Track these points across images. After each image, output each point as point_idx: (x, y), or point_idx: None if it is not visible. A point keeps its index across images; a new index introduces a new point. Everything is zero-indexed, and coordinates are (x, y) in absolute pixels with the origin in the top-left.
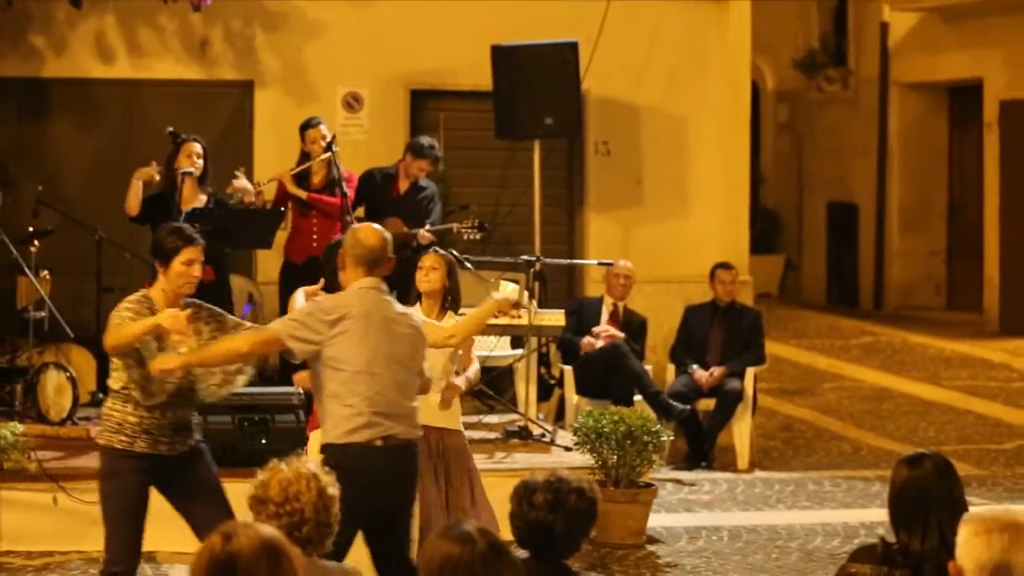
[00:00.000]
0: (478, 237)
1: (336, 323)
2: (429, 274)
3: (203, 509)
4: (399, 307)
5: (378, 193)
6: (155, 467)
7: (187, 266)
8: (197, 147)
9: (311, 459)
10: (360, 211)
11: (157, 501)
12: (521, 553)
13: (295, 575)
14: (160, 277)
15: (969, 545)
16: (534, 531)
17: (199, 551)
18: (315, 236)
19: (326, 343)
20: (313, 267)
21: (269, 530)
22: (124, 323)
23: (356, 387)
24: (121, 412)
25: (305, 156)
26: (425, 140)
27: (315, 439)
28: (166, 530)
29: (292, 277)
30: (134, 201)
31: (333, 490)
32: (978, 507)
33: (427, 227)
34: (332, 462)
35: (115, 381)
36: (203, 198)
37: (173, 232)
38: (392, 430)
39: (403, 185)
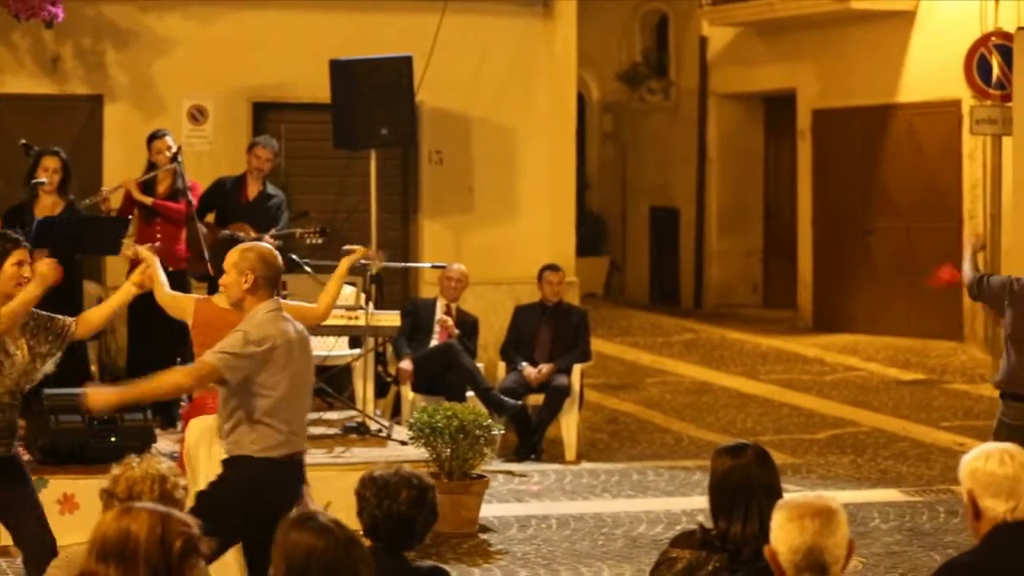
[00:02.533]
0: (319, 241)
1: (268, 353)
2: None
3: (21, 513)
4: (296, 324)
5: (228, 199)
6: None
7: (18, 267)
8: (52, 161)
9: (187, 446)
10: (210, 217)
11: None
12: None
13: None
14: None
15: (783, 530)
16: (395, 525)
17: (96, 530)
18: (159, 243)
19: (257, 370)
20: None
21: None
22: None
23: (278, 411)
24: None
25: (152, 166)
26: (255, 138)
27: (195, 427)
28: None
29: None
30: None
31: (181, 492)
32: (792, 494)
33: (272, 232)
34: (242, 473)
35: None
36: (62, 205)
37: (0, 238)
38: (299, 446)
39: (252, 191)
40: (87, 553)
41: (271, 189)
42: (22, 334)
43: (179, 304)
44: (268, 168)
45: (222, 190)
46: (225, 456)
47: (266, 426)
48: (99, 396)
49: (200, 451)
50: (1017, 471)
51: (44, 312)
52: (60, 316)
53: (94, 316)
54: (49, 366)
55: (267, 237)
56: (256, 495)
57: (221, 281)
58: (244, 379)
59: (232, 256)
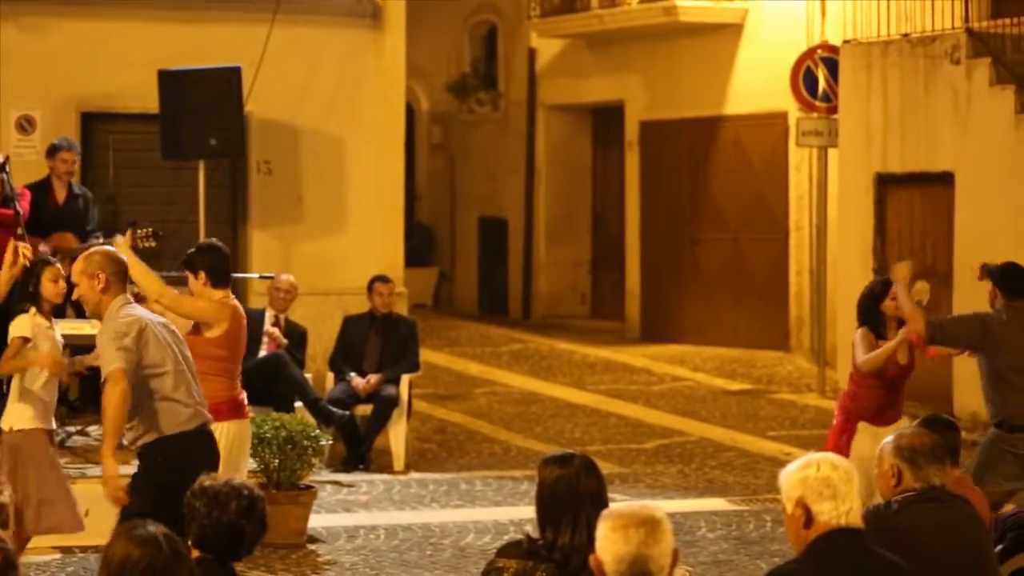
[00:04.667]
0: (153, 244)
1: (139, 336)
2: None
3: None
4: (150, 311)
5: (38, 205)
6: None
7: None
8: None
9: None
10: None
11: None
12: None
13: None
14: None
15: (608, 540)
16: (224, 535)
17: None
18: None
19: (141, 356)
20: None
21: None
22: None
23: (178, 386)
24: None
25: None
26: (54, 140)
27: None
28: None
29: None
30: None
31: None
32: (617, 503)
33: (101, 239)
34: (164, 454)
35: None
36: None
37: None
38: (206, 417)
39: (60, 195)
40: None
41: (77, 188)
42: None
43: (213, 308)
44: (75, 170)
45: (33, 197)
46: (139, 446)
47: (172, 402)
48: (112, 471)
49: (234, 457)
50: (848, 475)
51: None
52: None
53: None
54: None
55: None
56: (181, 471)
57: (77, 294)
58: (136, 367)
59: (77, 266)
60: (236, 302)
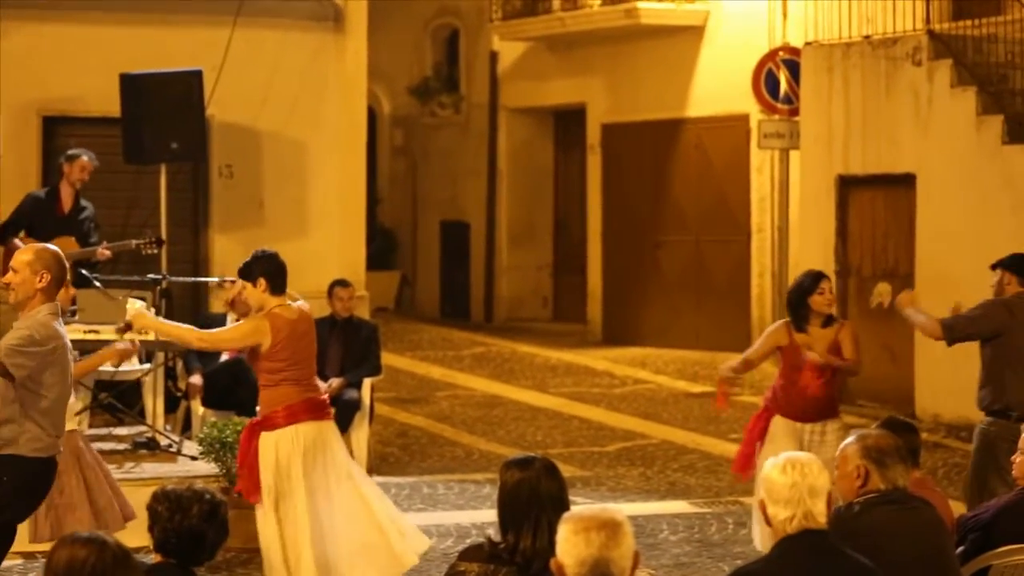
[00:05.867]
0: (156, 251)
1: (51, 353)
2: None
3: None
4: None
5: (42, 213)
6: None
7: None
8: None
9: (285, 456)
10: (21, 233)
11: None
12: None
13: None
14: None
15: (569, 543)
16: (186, 540)
17: None
18: None
19: (40, 370)
20: None
21: None
22: None
23: (51, 413)
24: None
25: None
26: (72, 149)
27: (298, 434)
28: None
29: None
30: None
31: None
32: (578, 506)
33: (104, 244)
34: (17, 473)
35: None
36: None
37: None
38: (58, 450)
39: (67, 204)
40: None
41: (83, 202)
42: None
43: (250, 330)
44: (87, 180)
45: (37, 204)
46: None
47: (39, 427)
48: None
49: (309, 458)
50: (796, 479)
51: None
52: None
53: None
54: None
55: (101, 249)
56: (28, 494)
57: (11, 279)
58: (27, 377)
59: (25, 255)
60: (291, 310)
